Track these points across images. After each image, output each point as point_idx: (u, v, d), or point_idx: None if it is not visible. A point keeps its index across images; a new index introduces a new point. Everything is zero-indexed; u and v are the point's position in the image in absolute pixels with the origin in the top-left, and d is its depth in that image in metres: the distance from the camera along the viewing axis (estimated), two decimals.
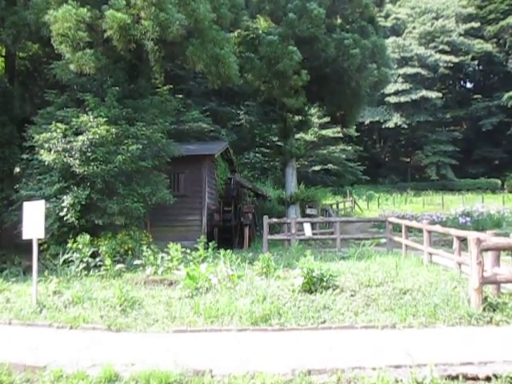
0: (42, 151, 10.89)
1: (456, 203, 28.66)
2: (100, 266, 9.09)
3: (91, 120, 11.33)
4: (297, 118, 19.88)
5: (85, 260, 9.04)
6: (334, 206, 27.05)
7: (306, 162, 35.56)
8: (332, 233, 16.67)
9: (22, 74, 15.98)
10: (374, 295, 6.87)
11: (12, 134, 13.62)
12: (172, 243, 9.45)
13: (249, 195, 20.80)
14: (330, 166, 36.71)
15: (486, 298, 6.12)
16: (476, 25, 43.27)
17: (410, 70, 41.91)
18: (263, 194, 23.04)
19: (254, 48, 17.55)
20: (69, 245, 9.34)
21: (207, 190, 14.93)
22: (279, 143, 24.04)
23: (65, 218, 10.42)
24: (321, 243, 16.44)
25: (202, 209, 14.56)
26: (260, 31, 18.25)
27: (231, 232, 15.00)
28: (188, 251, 9.73)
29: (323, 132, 36.12)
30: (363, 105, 22.04)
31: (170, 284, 8.22)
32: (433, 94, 40.84)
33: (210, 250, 9.85)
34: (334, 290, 7.07)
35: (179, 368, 4.63)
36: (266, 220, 12.37)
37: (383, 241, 13.04)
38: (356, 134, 40.34)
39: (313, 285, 7.24)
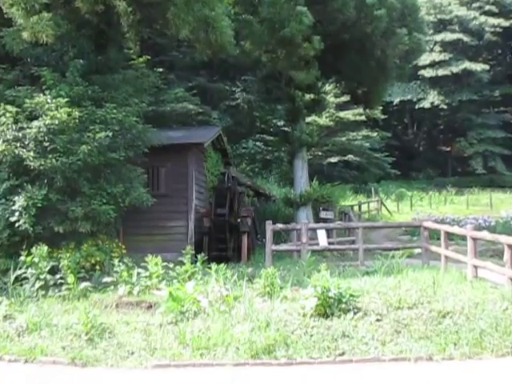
0: None
1: (507, 203, 28.65)
2: (61, 284, 9.08)
3: (49, 101, 11.33)
4: (308, 96, 19.79)
5: (42, 277, 9.03)
6: (356, 208, 26.88)
7: (319, 153, 35.52)
8: (353, 242, 16.62)
9: None
10: (406, 320, 6.87)
11: None
12: (150, 256, 9.45)
13: (247, 194, 20.71)
14: (350, 157, 36.54)
15: None
16: None
17: (449, 37, 41.61)
18: (265, 193, 22.84)
19: (254, 9, 17.36)
20: (22, 258, 9.34)
21: (195, 188, 14.86)
22: (286, 129, 23.91)
23: (16, 225, 10.38)
24: (339, 255, 16.36)
25: (188, 212, 14.56)
26: None
27: (225, 241, 15.03)
28: (171, 266, 9.71)
29: (341, 114, 35.88)
30: (391, 80, 21.82)
31: (149, 307, 8.18)
32: (478, 67, 40.63)
33: (198, 264, 9.85)
34: (355, 313, 7.01)
35: None
36: (269, 226, 12.32)
37: (417, 251, 13.02)
38: (383, 116, 40.06)
39: (329, 307, 7.23)
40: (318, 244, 13.29)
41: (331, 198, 21.56)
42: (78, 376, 5.86)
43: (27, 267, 9.27)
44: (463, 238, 12.26)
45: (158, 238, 14.40)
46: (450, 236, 11.72)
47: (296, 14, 16.23)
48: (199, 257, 9.69)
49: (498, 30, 41.39)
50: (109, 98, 12.70)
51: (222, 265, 8.98)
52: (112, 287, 9.16)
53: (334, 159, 37.04)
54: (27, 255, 9.37)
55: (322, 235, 13.49)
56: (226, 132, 20.38)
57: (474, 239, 9.29)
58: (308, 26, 16.62)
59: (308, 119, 27.24)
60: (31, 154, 10.79)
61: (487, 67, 41.26)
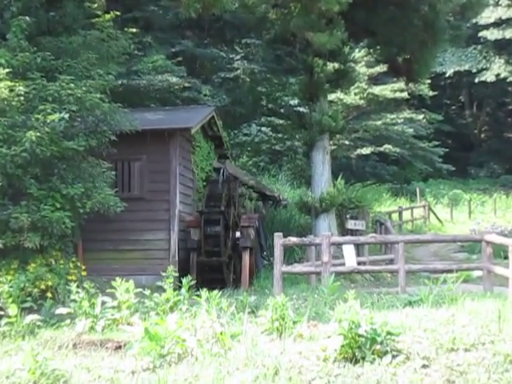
0: None
1: None
2: (0, 316, 9.12)
3: None
4: (331, 66, 19.72)
5: None
6: (395, 216, 26.91)
7: (346, 142, 35.36)
8: (391, 261, 16.53)
9: None
10: (462, 366, 6.76)
11: None
12: (119, 279, 9.55)
13: (250, 198, 20.82)
14: (387, 147, 36.48)
15: None
16: None
17: None
18: (274, 196, 22.79)
19: None
20: None
21: (179, 188, 14.96)
22: (301, 109, 24.05)
23: None
24: (372, 279, 16.25)
25: (170, 221, 14.62)
26: None
27: (220, 260, 15.12)
28: (147, 293, 9.72)
29: (376, 90, 35.69)
30: (442, 44, 21.54)
31: (117, 348, 8.16)
32: None
33: (183, 290, 9.84)
34: (394, 357, 6.90)
35: None
36: (278, 240, 12.32)
37: (477, 274, 13.00)
38: (431, 93, 39.95)
39: (358, 349, 7.20)
40: (343, 264, 13.29)
41: (362, 202, 21.34)
42: None
43: None
44: None
45: (130, 255, 14.59)
46: None
47: None
48: (185, 281, 9.67)
49: None
50: (64, 67, 12.72)
51: (215, 291, 8.96)
52: (68, 321, 9.09)
53: (365, 150, 36.60)
54: None
55: (349, 252, 13.46)
56: (222, 114, 20.37)
57: None
58: None
59: (331, 97, 27.21)
60: None
61: None
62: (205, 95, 22.81)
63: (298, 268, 14.32)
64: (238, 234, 16.17)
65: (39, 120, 11.31)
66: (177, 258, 14.53)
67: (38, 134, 11.08)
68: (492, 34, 41.60)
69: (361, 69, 33.59)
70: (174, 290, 9.55)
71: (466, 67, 43.72)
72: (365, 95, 35.16)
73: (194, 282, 10.04)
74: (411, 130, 37.32)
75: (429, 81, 34.84)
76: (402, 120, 37.16)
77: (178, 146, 15.02)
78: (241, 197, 18.10)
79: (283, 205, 23.45)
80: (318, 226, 18.87)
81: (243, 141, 27.42)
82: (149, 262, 14.55)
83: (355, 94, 34.65)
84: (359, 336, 7.35)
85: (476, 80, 44.10)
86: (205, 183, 17.00)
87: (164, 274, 10.09)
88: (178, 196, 14.88)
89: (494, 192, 38.51)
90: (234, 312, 8.92)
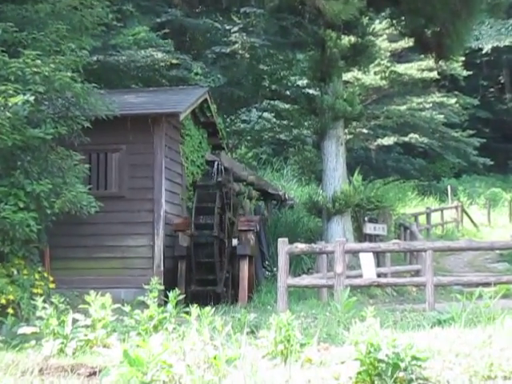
0: None
1: None
2: None
3: None
4: (346, 39, 19.97)
5: None
6: (422, 219, 27.07)
7: (364, 130, 35.28)
8: (417, 272, 16.56)
9: None
10: None
11: None
12: (94, 293, 9.53)
13: (249, 196, 20.94)
14: (413, 136, 36.56)
15: None
16: None
17: None
18: (278, 195, 23.24)
19: None
20: None
21: (165, 185, 15.14)
22: (310, 91, 23.99)
23: None
24: (394, 293, 16.48)
25: (154, 224, 14.78)
26: None
27: (213, 270, 15.25)
28: (126, 309, 9.71)
29: (400, 69, 35.74)
30: (478, 15, 21.91)
31: (92, 374, 8.07)
32: None
33: (170, 306, 9.81)
34: None
35: None
36: (283, 246, 12.25)
37: None
38: (465, 72, 40.14)
39: (378, 377, 7.14)
40: (361, 276, 13.40)
41: (383, 202, 21.39)
42: None
43: None
44: None
45: (107, 264, 14.67)
46: None
47: None
48: (171, 295, 9.63)
49: None
50: (29, 41, 12.75)
51: (207, 308, 8.95)
52: (33, 342, 8.98)
53: (387, 141, 36.71)
54: None
55: (367, 262, 13.50)
56: (216, 96, 20.40)
57: None
58: None
59: (346, 76, 27.24)
60: None
61: None
62: (196, 74, 22.76)
63: (306, 280, 14.28)
64: (234, 240, 16.22)
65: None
66: (162, 268, 14.57)
67: None
68: None
69: (382, 43, 33.52)
70: (159, 305, 9.50)
71: (507, 42, 43.50)
72: (387, 75, 35.04)
73: (182, 297, 10.01)
74: (441, 117, 37.34)
75: (463, 58, 34.70)
76: (431, 105, 37.09)
77: (163, 135, 15.11)
78: (238, 195, 18.18)
79: (289, 205, 23.60)
80: (331, 231, 18.90)
81: (242, 129, 27.36)
82: (129, 273, 14.67)
83: (375, 74, 34.57)
84: (379, 361, 7.33)
85: None
86: (196, 179, 17.06)
87: (147, 286, 10.03)
88: (163, 194, 14.94)
89: None
90: (231, 332, 8.87)
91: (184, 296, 10.21)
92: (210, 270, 15.53)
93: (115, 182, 15.01)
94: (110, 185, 14.97)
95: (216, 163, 16.88)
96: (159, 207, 14.85)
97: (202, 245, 15.39)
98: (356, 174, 21.27)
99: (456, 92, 40.76)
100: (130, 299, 10.93)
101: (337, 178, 19.49)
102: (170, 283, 13.71)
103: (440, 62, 27.28)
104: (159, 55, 20.51)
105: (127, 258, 14.76)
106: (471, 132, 40.20)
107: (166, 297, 10.11)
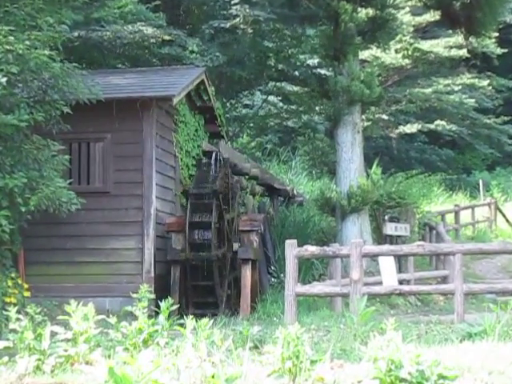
0: None
1: None
2: None
3: None
4: (363, 12, 19.97)
5: None
6: (450, 218, 27.17)
7: (384, 116, 35.26)
8: (444, 279, 16.50)
9: None
10: None
11: None
12: (75, 302, 9.49)
13: (252, 192, 21.13)
14: (439, 123, 36.52)
15: None
16: None
17: None
18: (285, 190, 23.32)
19: None
20: None
21: (155, 179, 15.18)
22: (322, 71, 24.26)
23: None
24: (418, 303, 16.63)
25: (143, 224, 14.88)
26: None
27: (212, 276, 15.27)
28: (112, 320, 9.67)
29: (424, 46, 35.39)
30: None
31: None
32: None
33: (161, 317, 9.77)
34: None
35: None
36: (291, 249, 12.27)
37: None
38: (499, 50, 40.48)
39: None
40: (380, 283, 13.60)
41: (405, 198, 21.45)
42: None
43: None
44: None
45: (89, 270, 14.74)
46: None
47: None
48: (163, 304, 9.61)
49: None
50: (1, 14, 12.66)
51: (205, 319, 8.92)
52: (6, 358, 8.89)
53: (410, 128, 36.65)
54: None
55: (387, 267, 13.78)
56: (215, 77, 20.42)
57: None
58: None
59: (364, 55, 27.11)
60: None
61: None
62: (191, 52, 22.76)
63: (317, 288, 14.25)
64: (235, 246, 16.20)
65: None
66: (152, 274, 14.68)
67: None
68: None
69: (404, 17, 33.43)
70: (150, 317, 9.47)
71: None
72: (409, 53, 34.77)
73: (176, 307, 10.01)
74: (472, 101, 37.18)
75: (496, 34, 34.67)
76: (460, 87, 36.84)
77: (154, 122, 15.18)
78: (241, 191, 18.11)
79: (298, 202, 23.57)
80: (346, 231, 18.98)
81: (244, 114, 27.43)
82: (115, 280, 14.77)
83: (397, 52, 34.42)
84: (401, 380, 7.32)
85: None
86: (191, 172, 17.11)
87: (135, 295, 10.01)
88: (154, 190, 15.00)
89: None
90: (231, 347, 8.84)
91: (178, 306, 10.22)
92: (209, 293, 15.54)
93: (99, 175, 15.04)
94: (94, 179, 15.00)
95: (214, 154, 16.79)
96: (149, 204, 14.87)
97: (199, 268, 15.36)
98: (374, 167, 21.32)
99: (489, 73, 40.37)
100: (116, 309, 10.96)
101: (352, 170, 19.50)
102: (161, 291, 13.67)
103: (470, 39, 27.23)
104: (149, 31, 20.41)
105: (113, 262, 14.77)
106: (506, 118, 39.92)
107: (158, 307, 10.09)
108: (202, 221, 15.70)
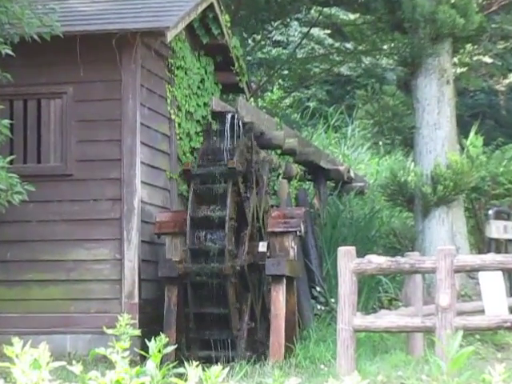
0: None
1: None
2: None
3: None
4: None
5: None
6: None
7: (486, 58, 35.42)
8: None
9: None
10: None
11: None
12: (19, 340, 9.53)
13: (287, 174, 20.68)
14: None
15: None
16: None
17: None
18: (338, 171, 23.55)
19: None
20: None
21: (141, 155, 15.29)
22: None
23: None
24: None
25: (122, 222, 15.04)
26: None
27: (226, 300, 15.27)
28: (76, 369, 9.73)
29: None
30: None
31: None
32: None
33: (151, 364, 9.77)
34: None
35: None
36: (347, 261, 11.76)
37: None
38: None
39: None
40: (482, 311, 13.26)
41: None
42: None
43: None
44: None
45: (42, 293, 14.95)
46: None
47: None
48: (153, 345, 9.65)
49: None
50: None
51: (215, 367, 8.93)
52: None
53: None
54: None
55: (493, 287, 13.32)
56: (230, 1, 20.27)
57: None
58: None
59: None
60: None
61: None
62: None
63: (387, 320, 13.59)
64: (261, 246, 16.06)
65: None
66: (136, 300, 14.54)
67: None
68: None
69: None
70: (132, 363, 9.42)
71: None
72: None
73: (172, 348, 9.98)
74: None
75: None
76: None
77: (138, 68, 15.01)
78: (269, 171, 17.87)
79: (357, 189, 23.12)
80: (430, 234, 19.12)
81: (274, 56, 27.25)
82: (79, 308, 14.60)
83: None
84: None
85: None
86: (192, 145, 17.03)
87: (110, 331, 10.02)
88: (138, 171, 14.90)
89: None
90: None
91: (175, 345, 10.19)
92: (221, 325, 15.40)
93: (55, 150, 14.96)
94: (47, 155, 14.90)
95: (230, 117, 16.55)
96: (131, 193, 14.78)
97: (207, 287, 15.14)
98: (472, 135, 21.22)
99: None
100: (82, 352, 10.99)
101: (439, 141, 19.56)
102: (150, 324, 13.66)
103: None
104: None
105: (76, 281, 14.59)
106: None
107: (145, 348, 10.07)
108: (210, 216, 15.27)
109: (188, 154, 16.40)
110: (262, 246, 15.83)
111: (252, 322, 15.82)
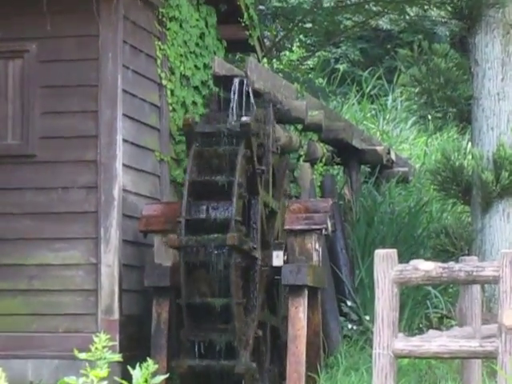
0: None
1: None
2: None
3: None
4: None
5: None
6: None
7: None
8: None
9: None
10: None
11: None
12: None
13: (310, 156, 20.41)
14: None
15: None
16: None
17: None
18: (375, 152, 23.39)
19: None
20: None
21: (123, 130, 15.41)
22: None
23: None
24: None
25: (98, 216, 15.18)
26: None
27: (231, 322, 15.01)
28: None
29: None
30: None
31: None
32: None
33: None
34: None
35: None
36: (385, 267, 11.94)
37: None
38: None
39: None
40: None
41: None
42: None
43: None
44: None
45: None
46: None
47: None
48: (137, 373, 9.69)
49: None
50: None
51: None
52: None
53: None
54: None
55: None
56: None
57: None
58: None
59: None
60: None
61: None
62: None
63: (436, 342, 13.65)
64: (276, 257, 15.64)
65: None
66: (117, 316, 14.31)
67: None
68: None
69: None
70: None
71: None
72: None
73: (162, 378, 10.04)
74: None
75: None
76: None
77: (120, 20, 14.86)
78: (288, 155, 18.09)
79: (399, 175, 23.21)
80: (491, 233, 18.38)
81: (293, 5, 27.52)
82: (45, 326, 14.32)
83: None
84: None
85: None
86: (190, 119, 15.79)
87: (83, 355, 10.09)
88: (120, 151, 14.76)
89: None
90: None
91: (167, 375, 10.26)
92: (221, 323, 14.89)
93: (14, 124, 14.87)
94: (3, 131, 14.78)
95: (238, 83, 16.24)
96: (111, 180, 14.61)
97: (204, 267, 14.88)
98: None
99: None
100: (48, 381, 11.05)
101: (504, 115, 18.59)
102: (134, 347, 13.39)
103: None
104: None
105: (41, 292, 14.39)
106: None
107: (127, 377, 10.15)
108: (214, 180, 15.22)
109: (181, 135, 16.25)
110: (277, 258, 15.24)
111: (260, 329, 15.13)
